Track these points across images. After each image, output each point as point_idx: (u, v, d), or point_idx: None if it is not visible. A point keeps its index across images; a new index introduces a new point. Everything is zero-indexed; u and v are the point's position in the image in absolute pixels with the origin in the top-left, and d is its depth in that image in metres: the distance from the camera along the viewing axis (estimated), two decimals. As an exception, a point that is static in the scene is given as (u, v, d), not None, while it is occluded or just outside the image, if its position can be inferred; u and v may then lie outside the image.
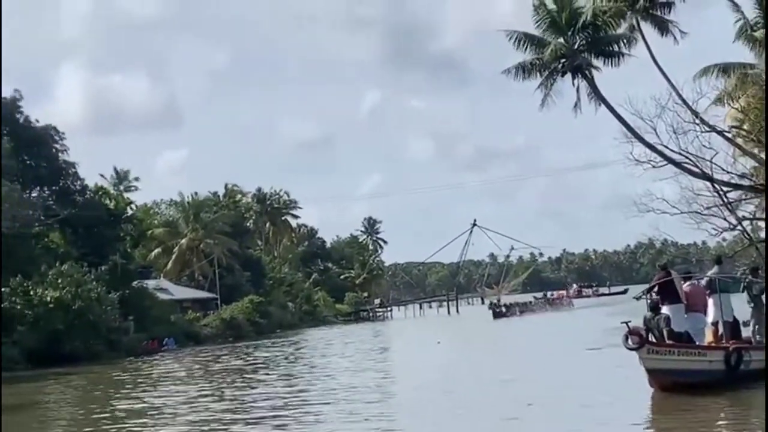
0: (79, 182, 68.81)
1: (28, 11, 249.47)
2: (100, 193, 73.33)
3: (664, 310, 19.48)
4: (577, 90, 42.21)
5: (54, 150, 67.11)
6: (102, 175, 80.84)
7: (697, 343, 19.54)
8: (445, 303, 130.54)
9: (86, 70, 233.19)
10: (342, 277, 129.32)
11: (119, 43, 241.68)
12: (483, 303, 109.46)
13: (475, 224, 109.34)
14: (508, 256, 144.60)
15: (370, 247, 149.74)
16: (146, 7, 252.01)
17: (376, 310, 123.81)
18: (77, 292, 53.75)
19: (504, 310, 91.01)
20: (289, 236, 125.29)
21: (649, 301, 20.17)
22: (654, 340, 18.84)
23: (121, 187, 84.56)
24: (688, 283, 20.33)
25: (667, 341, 18.84)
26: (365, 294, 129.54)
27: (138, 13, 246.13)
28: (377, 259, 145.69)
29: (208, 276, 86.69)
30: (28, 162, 65.87)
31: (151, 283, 74.69)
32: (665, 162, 41.77)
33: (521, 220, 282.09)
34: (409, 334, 67.85)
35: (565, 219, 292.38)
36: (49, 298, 52.67)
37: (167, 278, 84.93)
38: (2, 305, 51.88)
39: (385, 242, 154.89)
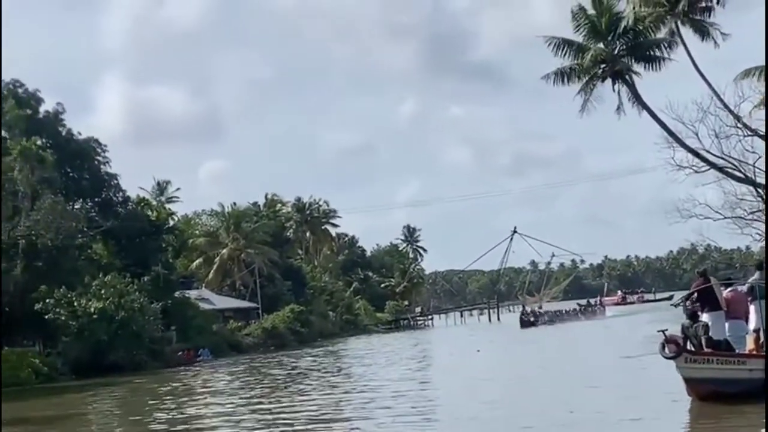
0: (121, 194, 69.42)
1: (69, 24, 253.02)
2: (141, 204, 73.92)
3: (704, 317, 19.01)
4: (619, 94, 41.99)
5: (96, 162, 67.77)
6: (142, 188, 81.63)
7: (738, 351, 18.93)
8: (486, 311, 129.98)
9: (127, 82, 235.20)
10: (382, 285, 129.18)
11: (160, 54, 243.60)
12: (524, 310, 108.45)
13: (515, 231, 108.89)
14: (548, 264, 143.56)
15: (410, 255, 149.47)
16: (187, 18, 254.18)
17: (417, 318, 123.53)
18: (120, 303, 54.23)
19: (533, 318, 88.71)
20: (329, 245, 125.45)
21: (687, 308, 19.85)
22: (692, 349, 18.41)
23: (163, 198, 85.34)
24: (728, 289, 19.77)
25: (706, 349, 18.37)
26: (406, 302, 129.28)
27: (179, 24, 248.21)
28: (417, 267, 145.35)
29: (249, 286, 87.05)
30: (71, 174, 66.57)
31: (192, 293, 75.20)
32: (708, 167, 41.42)
33: (562, 227, 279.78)
34: (449, 342, 67.48)
35: (607, 225, 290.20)
36: (92, 309, 53.18)
37: (209, 288, 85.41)
38: (46, 316, 52.52)
39: (425, 250, 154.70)
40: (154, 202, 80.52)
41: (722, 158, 41.16)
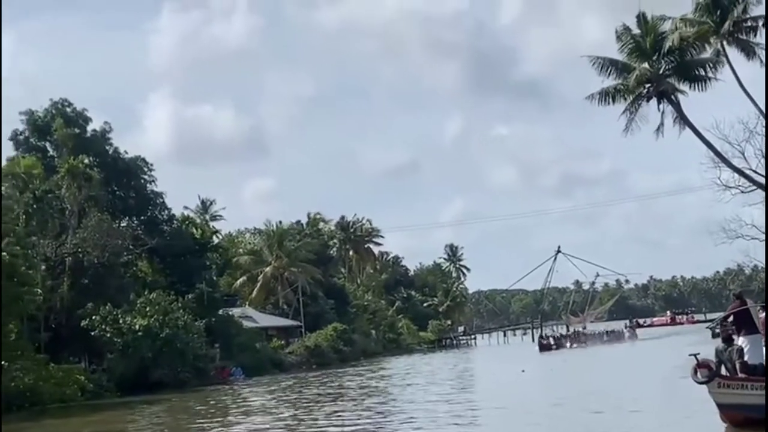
0: (166, 212, 70.07)
1: (118, 44, 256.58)
2: (186, 222, 74.54)
3: (740, 340, 18.45)
4: (662, 114, 41.68)
5: (142, 180, 68.52)
6: (186, 207, 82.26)
7: None
8: (529, 330, 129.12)
9: (174, 100, 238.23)
10: (425, 304, 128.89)
11: (206, 73, 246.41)
12: (568, 330, 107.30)
13: (559, 251, 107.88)
14: (593, 283, 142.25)
15: (453, 274, 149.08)
16: (233, 37, 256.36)
17: (460, 337, 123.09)
18: (165, 320, 54.64)
19: (552, 342, 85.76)
20: (373, 264, 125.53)
21: (721, 330, 19.47)
22: (726, 373, 17.89)
23: (207, 216, 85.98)
24: (766, 313, 19.31)
25: (740, 374, 17.76)
26: (449, 321, 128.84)
27: (225, 43, 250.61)
28: (460, 286, 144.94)
29: (292, 304, 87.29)
30: (117, 192, 67.40)
31: (236, 311, 75.55)
32: (754, 187, 40.90)
33: (607, 247, 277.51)
34: (492, 362, 67.07)
35: (652, 245, 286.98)
36: (137, 326, 53.66)
37: (252, 306, 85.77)
38: (92, 333, 53.09)
39: (468, 269, 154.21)
40: (199, 221, 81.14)
41: (769, 178, 40.63)
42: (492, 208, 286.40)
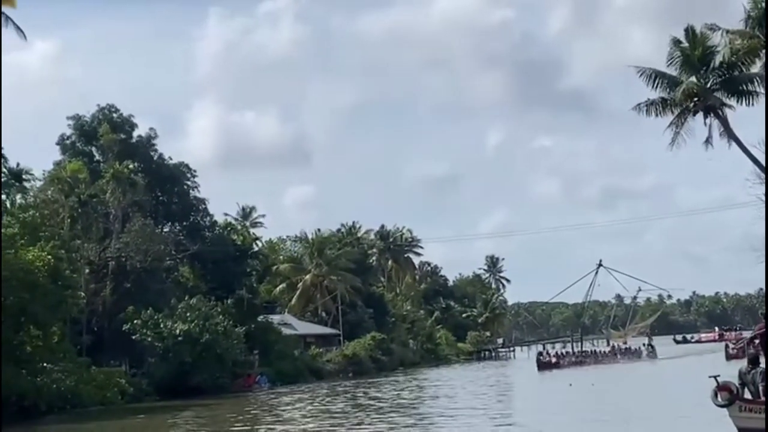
0: (208, 218, 70.57)
1: (164, 52, 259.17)
2: (228, 229, 74.95)
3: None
4: (709, 128, 41.16)
5: (185, 187, 69.05)
6: (227, 214, 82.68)
7: None
8: (569, 344, 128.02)
9: (217, 107, 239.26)
10: (464, 315, 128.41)
11: (250, 81, 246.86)
12: (608, 345, 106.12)
13: (600, 264, 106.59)
14: (635, 298, 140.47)
15: (493, 285, 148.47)
16: (278, 46, 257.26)
17: (499, 350, 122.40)
18: (205, 326, 54.89)
19: (553, 360, 79.09)
20: (412, 274, 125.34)
21: (732, 351, 18.74)
22: (750, 396, 17.13)
23: (247, 223, 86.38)
24: None
25: (762, 398, 17.01)
26: (487, 333, 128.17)
27: (269, 52, 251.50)
28: (500, 298, 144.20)
29: (331, 312, 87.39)
30: (161, 198, 68.00)
31: (275, 318, 75.79)
32: (800, 204, 40.17)
33: (649, 261, 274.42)
34: (535, 376, 66.32)
35: (695, 261, 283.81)
36: (178, 331, 53.98)
37: (291, 313, 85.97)
38: (133, 337, 53.49)
39: (507, 281, 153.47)
40: (239, 227, 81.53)
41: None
42: (533, 220, 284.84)
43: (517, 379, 64.71)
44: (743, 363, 18.77)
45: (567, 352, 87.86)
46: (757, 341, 17.11)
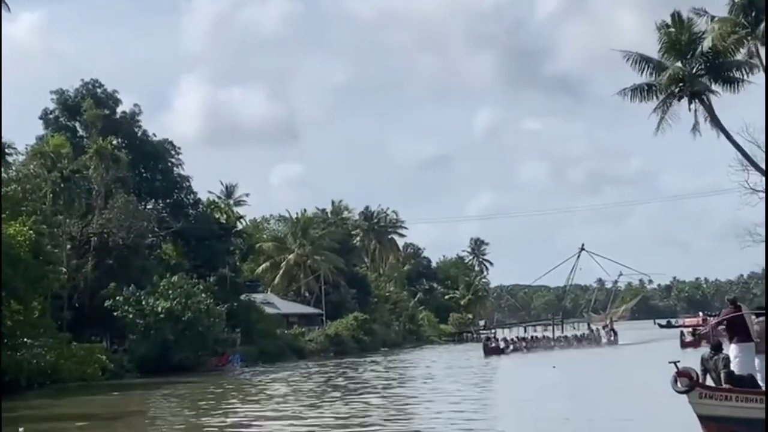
0: (192, 196, 70.34)
1: (151, 27, 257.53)
2: (211, 207, 74.77)
3: (731, 349, 17.26)
4: (695, 114, 41.29)
5: (169, 164, 68.80)
6: (211, 191, 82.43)
7: None
8: (550, 327, 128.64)
9: (205, 84, 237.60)
10: (447, 297, 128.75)
11: (239, 58, 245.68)
12: (589, 328, 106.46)
13: (583, 248, 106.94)
14: (616, 282, 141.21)
15: (476, 268, 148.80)
16: (269, 22, 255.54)
17: (481, 331, 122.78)
18: (187, 303, 54.78)
19: (502, 345, 73.69)
20: (395, 255, 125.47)
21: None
22: (712, 383, 16.66)
23: (231, 201, 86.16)
24: (759, 319, 17.78)
25: (724, 384, 16.50)
26: (469, 315, 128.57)
27: (259, 28, 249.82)
28: (483, 280, 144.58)
29: (314, 292, 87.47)
30: (144, 175, 67.71)
31: (258, 297, 75.83)
32: (783, 191, 40.39)
33: (631, 246, 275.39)
34: (518, 358, 66.46)
35: (677, 246, 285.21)
36: (160, 308, 53.87)
37: (274, 293, 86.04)
38: (115, 314, 53.37)
39: (491, 263, 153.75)
40: (223, 205, 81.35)
41: (799, 183, 40.20)
42: (520, 203, 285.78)
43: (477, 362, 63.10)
44: (700, 351, 18.58)
45: (516, 338, 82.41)
46: (721, 327, 16.73)
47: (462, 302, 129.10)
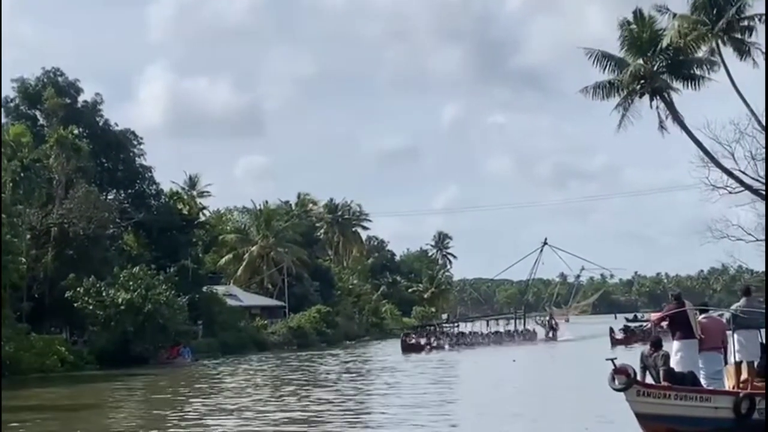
0: (154, 186, 69.95)
1: (115, 15, 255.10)
2: (174, 198, 74.35)
3: (673, 345, 17.11)
4: (657, 111, 41.76)
5: (131, 154, 68.37)
6: (174, 182, 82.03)
7: (712, 387, 16.73)
8: (512, 320, 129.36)
9: (169, 73, 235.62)
10: (410, 290, 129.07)
11: (204, 47, 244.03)
12: (551, 320, 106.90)
13: (545, 243, 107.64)
14: (578, 277, 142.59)
15: (440, 261, 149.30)
16: (234, 12, 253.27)
17: (443, 325, 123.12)
18: (147, 295, 54.41)
19: (422, 342, 68.67)
20: (359, 248, 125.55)
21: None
22: (651, 380, 16.51)
23: (194, 192, 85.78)
24: (703, 315, 17.64)
25: (663, 382, 16.33)
26: (432, 308, 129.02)
27: (225, 18, 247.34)
28: (446, 273, 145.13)
29: (277, 284, 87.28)
30: (105, 165, 67.21)
31: (220, 289, 75.55)
32: (742, 188, 41.02)
33: (595, 241, 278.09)
34: (479, 351, 66.75)
35: (639, 241, 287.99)
36: (120, 300, 53.46)
37: (237, 285, 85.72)
38: (75, 305, 52.93)
39: (454, 257, 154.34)
40: (186, 197, 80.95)
41: (757, 180, 40.77)
42: (485, 197, 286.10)
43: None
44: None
45: (444, 334, 77.42)
46: (664, 324, 16.49)
47: (425, 296, 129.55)
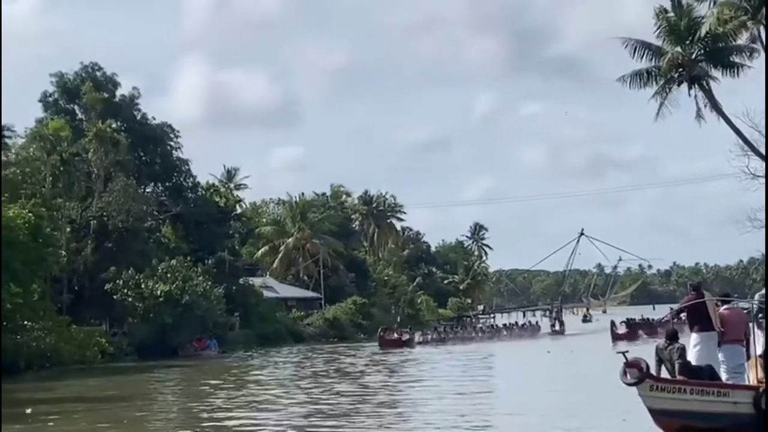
0: (191, 179, 70.33)
1: (151, 9, 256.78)
2: (211, 190, 74.78)
3: (692, 338, 16.37)
4: (695, 100, 41.29)
5: (168, 147, 68.77)
6: (212, 174, 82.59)
7: (733, 381, 15.89)
8: (548, 312, 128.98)
9: (204, 66, 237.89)
10: (445, 281, 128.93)
11: (239, 40, 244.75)
12: (587, 312, 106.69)
13: (582, 233, 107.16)
14: (615, 267, 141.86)
15: (475, 252, 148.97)
16: (267, 4, 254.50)
17: (479, 316, 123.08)
18: (185, 287, 54.82)
19: (404, 338, 62.07)
20: (394, 239, 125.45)
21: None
22: (668, 375, 15.76)
23: (231, 185, 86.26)
24: (725, 306, 16.80)
25: (678, 376, 15.60)
26: (468, 300, 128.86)
27: (260, 9, 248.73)
28: (482, 264, 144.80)
29: (312, 276, 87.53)
30: (143, 158, 67.67)
31: (257, 281, 75.89)
32: (783, 176, 40.40)
33: (631, 231, 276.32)
34: (513, 342, 66.40)
35: (677, 231, 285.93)
36: (158, 292, 53.95)
37: (273, 276, 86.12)
38: (114, 297, 53.43)
39: (490, 248, 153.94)
40: (223, 189, 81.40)
41: (799, 168, 40.21)
42: (519, 187, 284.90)
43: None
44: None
45: (437, 329, 71.37)
46: (683, 315, 15.83)
47: (461, 287, 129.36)
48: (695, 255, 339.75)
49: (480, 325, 76.50)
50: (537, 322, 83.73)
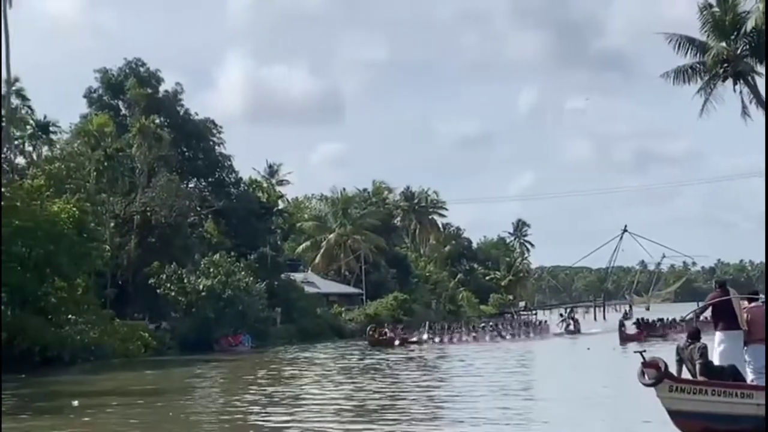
0: (233, 174, 70.84)
1: (193, 3, 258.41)
2: (253, 186, 75.20)
3: (717, 337, 15.81)
4: (741, 95, 40.86)
5: (211, 143, 69.33)
6: (254, 168, 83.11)
7: (758, 382, 15.25)
8: (591, 309, 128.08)
9: (247, 61, 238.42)
10: (487, 278, 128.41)
11: (282, 34, 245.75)
12: (630, 310, 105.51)
13: (625, 230, 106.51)
14: (658, 264, 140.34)
15: (517, 249, 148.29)
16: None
17: (521, 312, 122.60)
18: (227, 282, 55.21)
19: (397, 341, 57.41)
20: (436, 235, 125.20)
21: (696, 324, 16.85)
22: (689, 376, 15.25)
23: (273, 180, 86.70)
24: (753, 304, 16.16)
25: (700, 377, 15.05)
26: (510, 296, 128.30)
27: (301, 4, 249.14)
28: (524, 261, 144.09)
29: (354, 271, 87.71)
30: (186, 153, 68.31)
31: (298, 276, 76.22)
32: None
33: (676, 228, 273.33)
34: (555, 339, 65.98)
35: (722, 228, 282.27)
36: (201, 287, 54.41)
37: (315, 272, 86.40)
38: (157, 291, 53.95)
39: (532, 245, 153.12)
40: (265, 184, 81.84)
41: None
42: (563, 183, 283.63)
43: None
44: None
45: (432, 328, 64.56)
46: (707, 314, 15.26)
47: (503, 283, 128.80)
48: (740, 252, 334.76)
49: (482, 325, 70.62)
50: (545, 321, 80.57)
